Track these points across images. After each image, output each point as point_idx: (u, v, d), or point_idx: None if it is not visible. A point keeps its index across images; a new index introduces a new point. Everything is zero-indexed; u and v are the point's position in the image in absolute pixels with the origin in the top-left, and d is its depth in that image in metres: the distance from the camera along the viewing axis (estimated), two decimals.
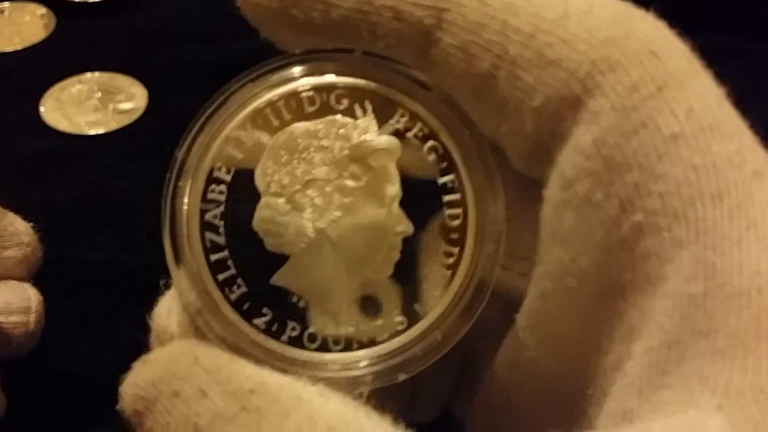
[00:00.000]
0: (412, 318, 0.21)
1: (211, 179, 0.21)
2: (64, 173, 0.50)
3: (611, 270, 0.19)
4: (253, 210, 0.21)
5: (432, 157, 0.21)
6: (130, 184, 0.50)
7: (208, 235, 0.21)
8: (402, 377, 0.21)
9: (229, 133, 0.21)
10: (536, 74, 0.20)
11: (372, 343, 0.21)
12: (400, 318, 0.21)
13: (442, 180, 0.21)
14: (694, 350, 0.18)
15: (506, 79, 0.20)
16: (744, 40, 0.58)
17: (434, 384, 0.25)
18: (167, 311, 0.22)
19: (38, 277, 0.45)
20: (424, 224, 0.21)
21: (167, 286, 0.22)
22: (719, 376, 0.17)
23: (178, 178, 0.21)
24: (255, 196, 0.21)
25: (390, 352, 0.21)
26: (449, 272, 0.21)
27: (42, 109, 0.54)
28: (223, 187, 0.21)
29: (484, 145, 0.21)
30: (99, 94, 0.55)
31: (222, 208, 0.21)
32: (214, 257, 0.21)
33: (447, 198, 0.21)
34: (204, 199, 0.21)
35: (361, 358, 0.21)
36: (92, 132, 0.53)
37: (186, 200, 0.21)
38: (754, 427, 0.16)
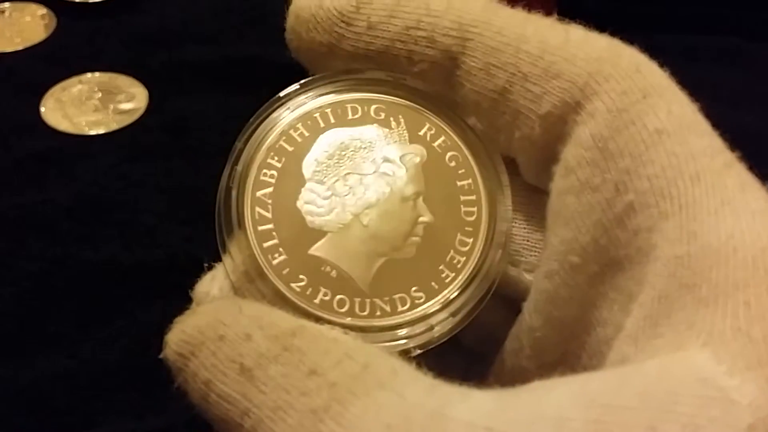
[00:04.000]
0: (429, 294, 0.25)
1: (265, 165, 0.25)
2: (64, 173, 0.51)
3: (608, 246, 0.23)
4: (298, 193, 0.25)
5: (453, 163, 0.26)
6: (130, 184, 0.50)
7: (258, 209, 0.25)
8: (415, 352, 0.24)
9: (284, 129, 0.25)
10: (543, 86, 0.24)
11: (394, 312, 0.24)
12: (418, 294, 0.25)
13: (460, 183, 0.26)
14: (682, 302, 0.20)
15: (519, 92, 0.24)
16: (744, 40, 0.58)
17: None
18: (211, 279, 0.25)
19: (39, 277, 0.45)
20: (444, 217, 0.25)
21: (210, 268, 0.25)
22: (703, 321, 0.20)
23: (235, 163, 0.25)
24: (301, 182, 0.25)
25: (408, 321, 0.24)
26: (463, 258, 0.25)
27: (42, 109, 0.54)
28: (273, 172, 0.25)
29: (497, 156, 0.26)
30: (99, 95, 0.55)
31: (271, 189, 0.25)
32: (261, 228, 0.25)
33: (463, 198, 0.25)
34: (257, 180, 0.25)
35: (385, 325, 0.24)
36: (93, 132, 0.53)
37: (241, 181, 0.25)
38: (733, 358, 0.19)
